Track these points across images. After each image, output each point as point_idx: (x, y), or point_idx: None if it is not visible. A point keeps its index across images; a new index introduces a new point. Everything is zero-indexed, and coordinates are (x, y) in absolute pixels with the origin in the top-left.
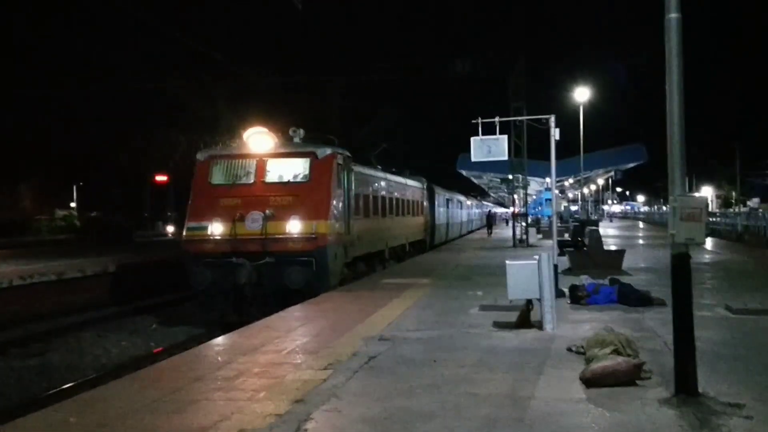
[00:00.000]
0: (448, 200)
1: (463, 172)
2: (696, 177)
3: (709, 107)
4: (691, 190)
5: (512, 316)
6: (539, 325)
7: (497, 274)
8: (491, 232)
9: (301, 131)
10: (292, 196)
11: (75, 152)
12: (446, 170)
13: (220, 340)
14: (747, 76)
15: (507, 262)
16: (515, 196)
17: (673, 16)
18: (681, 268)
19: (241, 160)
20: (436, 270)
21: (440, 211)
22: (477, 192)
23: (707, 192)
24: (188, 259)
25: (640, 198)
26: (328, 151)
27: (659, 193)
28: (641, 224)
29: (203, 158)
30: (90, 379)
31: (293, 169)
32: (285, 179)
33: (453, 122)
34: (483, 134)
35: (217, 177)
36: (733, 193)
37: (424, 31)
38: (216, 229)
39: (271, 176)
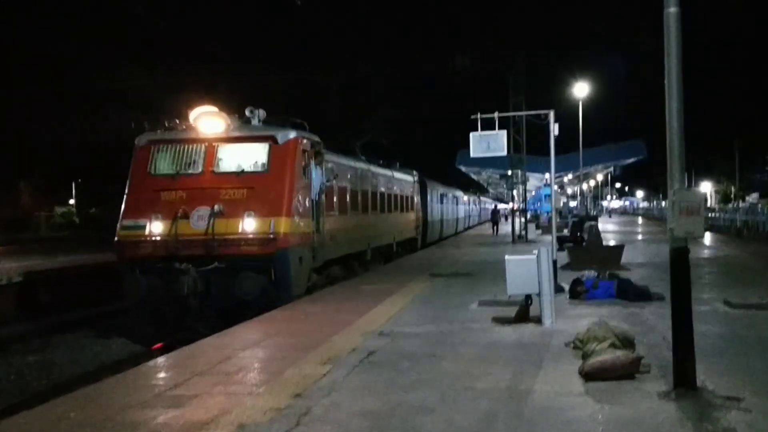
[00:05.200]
0: (442, 195)
1: (463, 168)
2: (695, 172)
3: (708, 102)
4: (690, 185)
5: (511, 312)
6: (538, 320)
7: (498, 271)
8: (497, 230)
9: (261, 112)
10: (246, 188)
11: (74, 149)
12: (445, 167)
13: (219, 336)
14: (746, 71)
15: (506, 257)
16: (514, 192)
17: (672, 10)
18: (680, 263)
19: (186, 146)
20: (428, 269)
21: (434, 207)
22: (476, 188)
23: (706, 187)
24: (121, 265)
25: (640, 194)
26: (291, 134)
27: (659, 189)
28: (640, 220)
29: (143, 143)
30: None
31: (249, 156)
32: (239, 168)
33: (452, 118)
34: (482, 130)
35: (159, 166)
36: (732, 188)
37: (423, 27)
38: (155, 228)
39: (223, 165)
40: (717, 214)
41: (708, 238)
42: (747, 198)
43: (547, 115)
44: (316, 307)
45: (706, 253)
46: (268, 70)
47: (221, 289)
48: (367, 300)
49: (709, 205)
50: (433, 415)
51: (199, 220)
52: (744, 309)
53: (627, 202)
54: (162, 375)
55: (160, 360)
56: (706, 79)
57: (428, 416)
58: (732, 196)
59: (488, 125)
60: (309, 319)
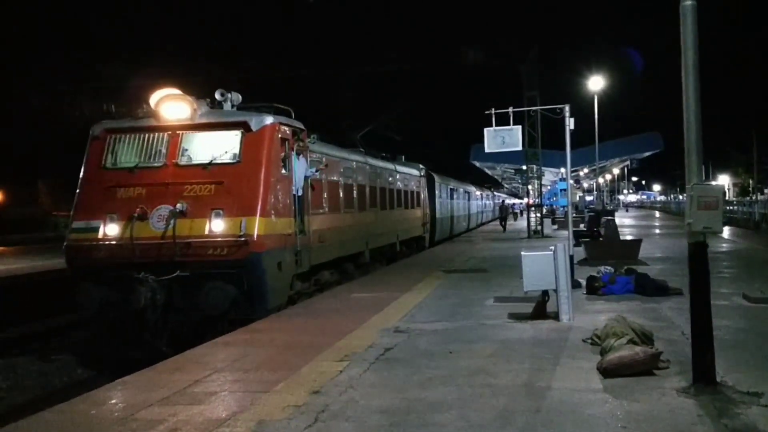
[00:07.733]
0: (452, 190)
1: (477, 164)
2: (712, 165)
3: (725, 94)
4: (707, 178)
5: (527, 308)
6: (555, 316)
7: (513, 267)
8: (506, 226)
9: (235, 95)
10: (214, 183)
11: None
12: (459, 162)
13: (236, 333)
14: (764, 62)
15: (522, 253)
16: (530, 187)
17: (688, 3)
18: (698, 257)
19: (146, 135)
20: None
21: (443, 203)
22: (491, 183)
23: (724, 180)
24: (73, 273)
25: (657, 187)
26: (267, 120)
27: (676, 182)
28: (657, 214)
29: (98, 133)
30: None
31: (218, 145)
32: (206, 160)
33: (466, 114)
34: (496, 125)
35: (115, 158)
36: (750, 181)
37: (436, 21)
38: (110, 230)
39: (188, 156)
40: (735, 207)
41: (726, 231)
42: (765, 190)
43: (562, 109)
44: (329, 306)
45: (724, 246)
46: (278, 66)
47: (185, 302)
48: (374, 300)
49: (727, 198)
50: (450, 412)
51: (159, 221)
52: (763, 303)
53: (644, 196)
54: (180, 372)
55: (178, 358)
56: (723, 71)
57: (445, 413)
58: (750, 188)
59: (502, 120)
60: (323, 317)
